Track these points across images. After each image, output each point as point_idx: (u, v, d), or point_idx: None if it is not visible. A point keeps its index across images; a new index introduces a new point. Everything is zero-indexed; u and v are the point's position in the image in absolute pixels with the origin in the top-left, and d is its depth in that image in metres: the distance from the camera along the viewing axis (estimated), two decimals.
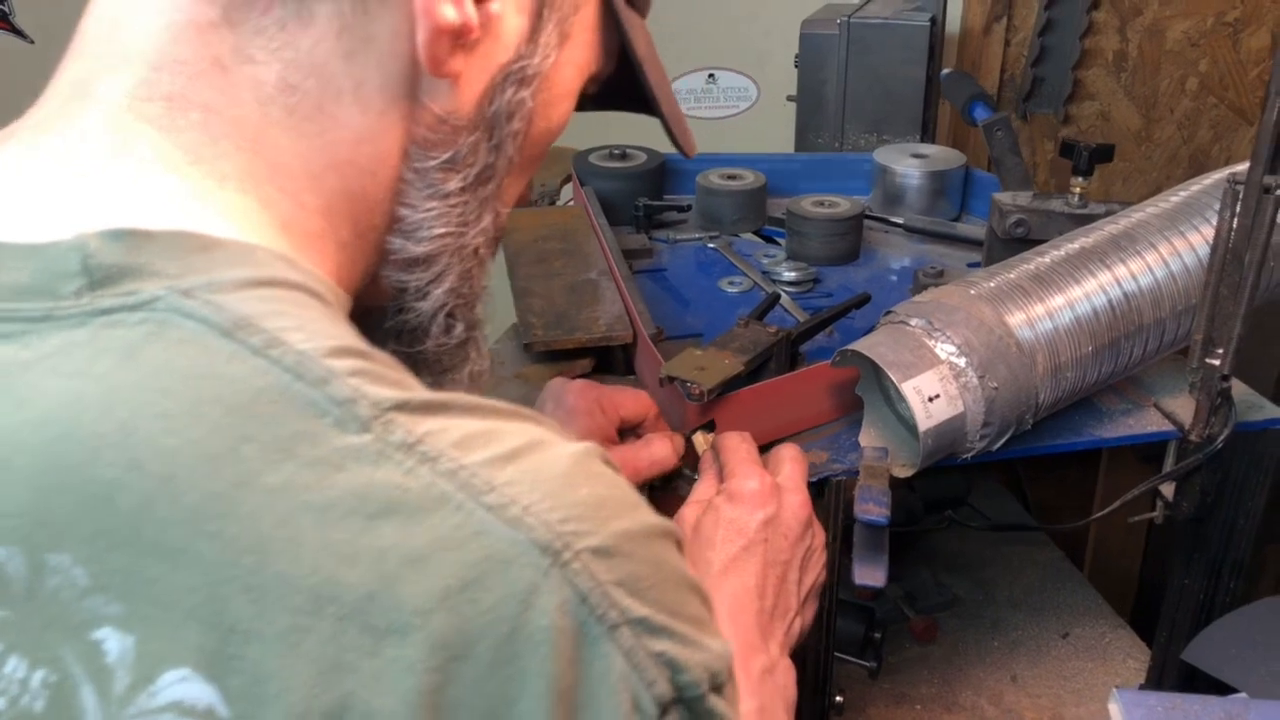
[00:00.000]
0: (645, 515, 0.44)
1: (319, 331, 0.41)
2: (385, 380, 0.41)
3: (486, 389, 0.61)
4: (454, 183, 0.53)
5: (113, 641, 0.37)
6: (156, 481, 0.37)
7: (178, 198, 0.44)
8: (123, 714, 0.37)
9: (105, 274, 0.40)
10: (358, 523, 0.37)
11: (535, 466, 0.41)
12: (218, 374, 0.39)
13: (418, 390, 0.42)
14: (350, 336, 0.43)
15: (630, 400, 0.83)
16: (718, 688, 0.43)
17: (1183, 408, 0.94)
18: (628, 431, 0.84)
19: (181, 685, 0.36)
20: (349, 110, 0.48)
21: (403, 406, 0.40)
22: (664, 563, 0.43)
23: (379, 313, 0.56)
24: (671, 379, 0.86)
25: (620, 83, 0.62)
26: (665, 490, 0.84)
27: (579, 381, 0.83)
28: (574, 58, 0.57)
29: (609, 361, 1.07)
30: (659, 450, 0.81)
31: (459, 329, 0.57)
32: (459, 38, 0.49)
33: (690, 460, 0.84)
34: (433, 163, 0.52)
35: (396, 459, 0.39)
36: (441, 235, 0.54)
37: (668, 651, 0.41)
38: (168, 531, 0.37)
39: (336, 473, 0.38)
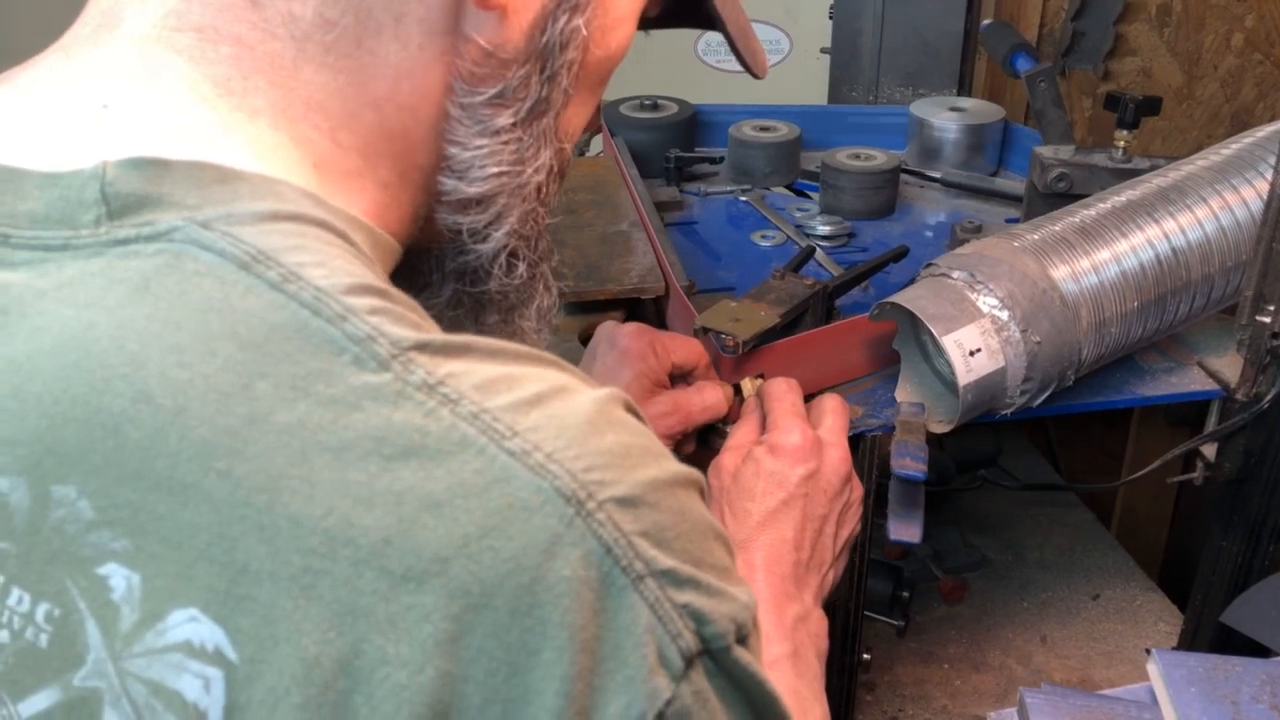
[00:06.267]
0: (669, 463, 0.43)
1: (339, 268, 0.40)
2: (405, 321, 0.40)
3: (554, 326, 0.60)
4: (504, 118, 0.51)
5: (119, 578, 0.36)
6: (167, 415, 0.37)
7: (205, 130, 0.43)
8: (128, 652, 0.36)
9: (123, 203, 0.40)
10: (375, 464, 0.37)
11: (559, 412, 0.40)
12: (232, 308, 0.38)
13: (437, 332, 0.41)
14: (372, 276, 0.42)
15: (683, 346, 0.82)
16: (742, 639, 0.43)
17: (1228, 366, 0.92)
18: (678, 378, 0.83)
19: (190, 625, 0.36)
20: (388, 46, 0.47)
21: (423, 347, 0.39)
22: (688, 512, 0.42)
23: (439, 253, 0.55)
24: (706, 330, 0.85)
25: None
26: (704, 446, 0.83)
27: (633, 325, 0.82)
28: None
29: (639, 314, 1.06)
30: (710, 396, 0.80)
31: (521, 269, 0.56)
32: None
33: (736, 411, 0.83)
34: (480, 98, 0.50)
35: (417, 400, 0.38)
36: (496, 174, 0.52)
37: (693, 603, 0.40)
38: (177, 466, 0.36)
39: (353, 412, 0.37)
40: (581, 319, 1.01)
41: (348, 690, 0.35)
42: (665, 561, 0.40)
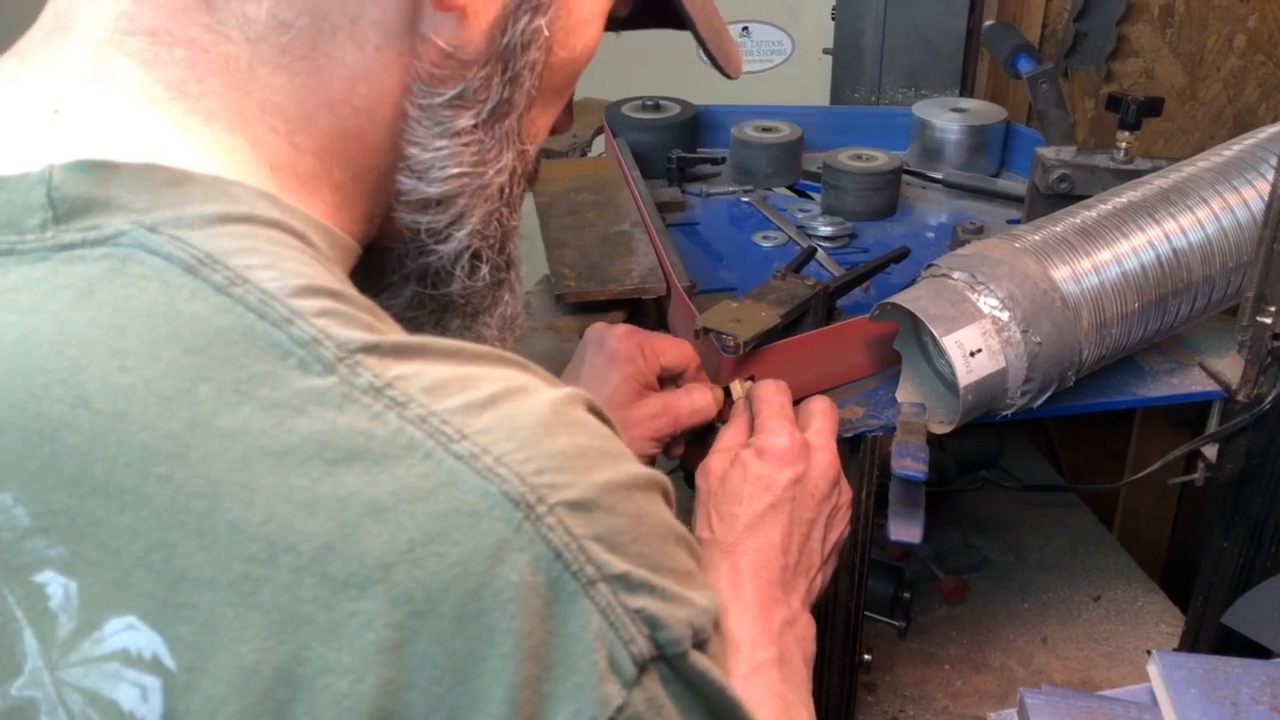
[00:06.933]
0: (628, 466, 0.42)
1: (289, 270, 0.40)
2: (356, 322, 0.39)
3: (519, 335, 0.60)
4: (465, 120, 0.50)
5: (56, 585, 0.36)
6: (106, 420, 0.36)
7: (158, 133, 0.43)
8: (65, 661, 0.36)
9: (70, 207, 0.39)
10: (318, 469, 0.36)
11: (511, 414, 0.39)
12: (177, 312, 0.38)
13: (391, 333, 0.40)
14: (327, 276, 0.41)
15: (673, 348, 0.81)
16: (701, 644, 0.42)
17: (1229, 367, 0.92)
18: (668, 380, 0.83)
19: (128, 633, 0.35)
20: (344, 47, 0.46)
21: (372, 349, 0.39)
22: (646, 515, 0.42)
23: (400, 253, 0.55)
24: (707, 330, 0.85)
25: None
26: (698, 445, 0.83)
27: (622, 326, 0.82)
28: None
29: (640, 314, 1.06)
30: (700, 398, 0.80)
31: (484, 271, 0.55)
32: None
33: (726, 413, 0.83)
34: (440, 99, 0.49)
35: (362, 403, 0.37)
36: (457, 175, 0.51)
37: (647, 608, 0.40)
38: (115, 472, 0.36)
39: (296, 416, 0.37)
40: (582, 319, 1.01)
41: (288, 699, 0.35)
42: (619, 566, 0.39)
